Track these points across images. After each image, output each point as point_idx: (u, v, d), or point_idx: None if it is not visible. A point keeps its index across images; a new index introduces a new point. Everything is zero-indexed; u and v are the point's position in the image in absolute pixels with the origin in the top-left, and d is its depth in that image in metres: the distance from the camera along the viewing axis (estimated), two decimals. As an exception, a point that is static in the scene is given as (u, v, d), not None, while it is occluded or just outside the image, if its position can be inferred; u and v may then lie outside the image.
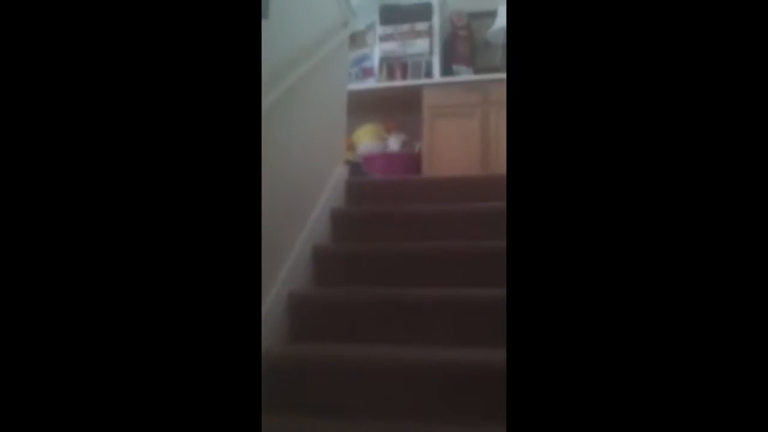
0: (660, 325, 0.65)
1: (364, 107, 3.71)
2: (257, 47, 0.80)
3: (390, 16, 3.68)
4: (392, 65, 3.63)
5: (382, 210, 2.18)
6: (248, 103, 0.77)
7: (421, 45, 3.57)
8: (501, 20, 3.50)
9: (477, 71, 3.55)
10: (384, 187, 2.42)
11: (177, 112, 0.73)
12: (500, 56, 3.62)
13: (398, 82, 3.51)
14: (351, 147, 3.63)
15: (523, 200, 0.70)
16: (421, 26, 3.60)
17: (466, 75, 3.50)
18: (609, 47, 0.69)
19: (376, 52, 3.67)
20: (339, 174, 2.41)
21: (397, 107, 3.71)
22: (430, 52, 3.55)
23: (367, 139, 3.58)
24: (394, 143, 3.51)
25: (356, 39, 3.68)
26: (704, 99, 0.67)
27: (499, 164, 3.16)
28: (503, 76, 3.27)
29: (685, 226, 0.65)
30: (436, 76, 3.46)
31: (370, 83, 3.70)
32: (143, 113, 0.72)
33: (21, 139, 0.69)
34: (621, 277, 0.66)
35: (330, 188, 2.28)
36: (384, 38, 3.66)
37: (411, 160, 3.44)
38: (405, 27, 3.63)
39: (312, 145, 2.11)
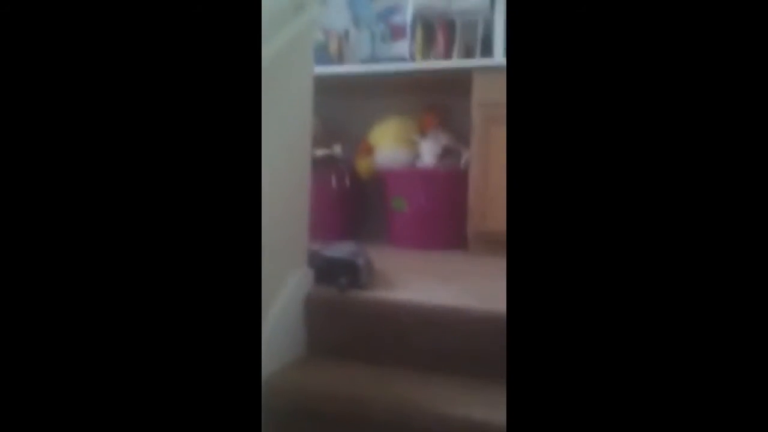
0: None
1: (389, 88, 2.51)
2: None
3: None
4: (431, 25, 2.37)
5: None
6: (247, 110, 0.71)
7: (476, -4, 2.27)
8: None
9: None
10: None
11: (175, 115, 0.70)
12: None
13: (434, 63, 2.24)
14: (369, 151, 2.47)
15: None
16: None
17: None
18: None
19: (410, 2, 2.41)
20: (295, 289, 1.30)
21: (436, 91, 2.48)
22: (491, 8, 2.25)
23: (391, 143, 2.39)
24: (428, 152, 2.30)
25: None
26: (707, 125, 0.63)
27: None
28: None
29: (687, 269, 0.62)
30: (498, 54, 2.16)
31: (400, 49, 2.48)
32: (140, 116, 0.70)
33: (18, 139, 0.68)
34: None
35: (269, 334, 1.18)
36: (421, -17, 2.37)
37: (455, 185, 2.23)
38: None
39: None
